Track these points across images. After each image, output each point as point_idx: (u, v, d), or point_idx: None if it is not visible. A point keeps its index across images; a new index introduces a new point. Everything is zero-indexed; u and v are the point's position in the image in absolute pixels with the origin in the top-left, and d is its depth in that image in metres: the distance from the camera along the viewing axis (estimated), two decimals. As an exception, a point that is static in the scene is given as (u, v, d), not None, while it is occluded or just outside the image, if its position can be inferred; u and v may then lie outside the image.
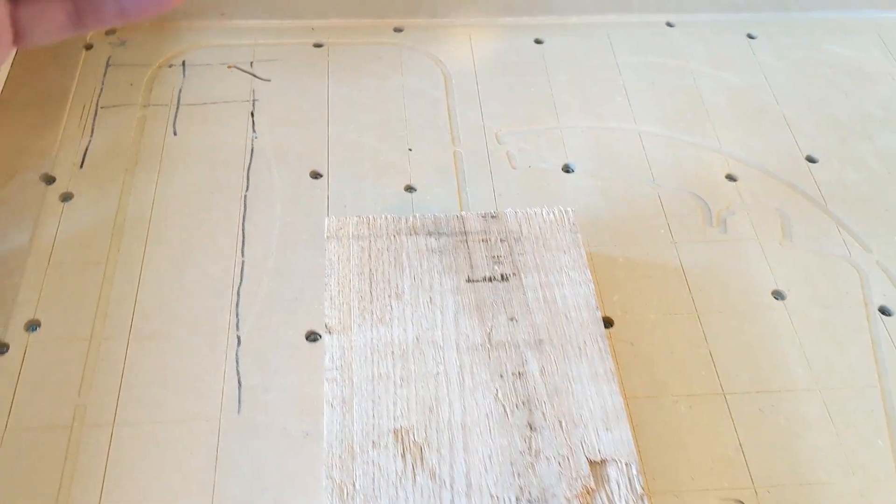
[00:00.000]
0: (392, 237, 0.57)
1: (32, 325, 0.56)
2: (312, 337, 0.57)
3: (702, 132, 0.71)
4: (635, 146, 0.70)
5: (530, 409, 0.49)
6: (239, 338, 0.56)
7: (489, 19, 0.80)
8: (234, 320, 0.57)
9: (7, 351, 0.55)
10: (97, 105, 0.70)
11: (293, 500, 0.49)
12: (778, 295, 0.60)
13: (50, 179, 0.64)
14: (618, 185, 0.67)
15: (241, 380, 0.54)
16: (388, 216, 0.57)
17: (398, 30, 0.79)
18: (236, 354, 0.55)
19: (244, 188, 0.65)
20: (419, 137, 0.69)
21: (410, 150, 0.68)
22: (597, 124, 0.71)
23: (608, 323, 0.58)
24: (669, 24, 0.81)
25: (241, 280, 0.59)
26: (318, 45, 0.77)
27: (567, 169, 0.68)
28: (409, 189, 0.66)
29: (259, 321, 0.57)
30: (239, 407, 0.53)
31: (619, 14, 0.81)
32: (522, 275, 0.55)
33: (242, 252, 0.61)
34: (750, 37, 0.80)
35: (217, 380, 0.54)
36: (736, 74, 0.76)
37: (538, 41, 0.79)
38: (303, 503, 0.49)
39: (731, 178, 0.68)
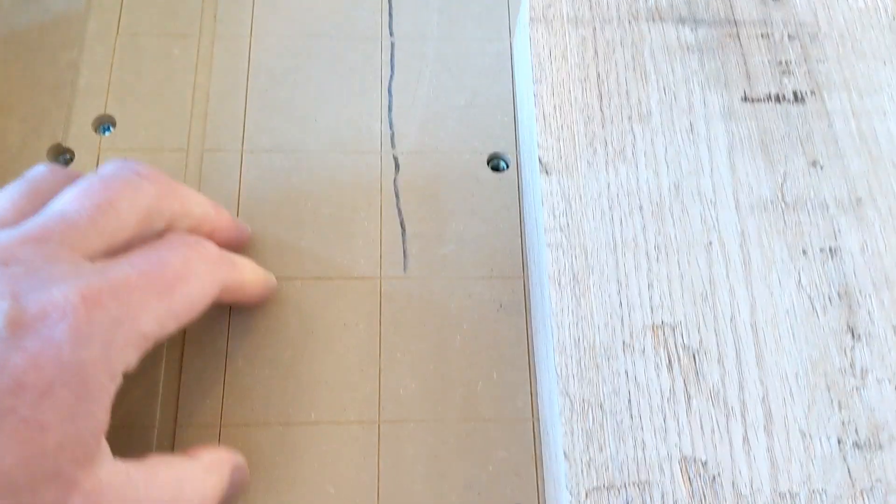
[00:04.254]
0: (627, 24, 0.38)
1: (105, 126, 0.39)
2: (495, 163, 0.40)
3: None
4: None
5: (850, 306, 0.33)
6: (396, 160, 0.40)
7: None
8: (387, 133, 0.40)
9: (73, 159, 0.39)
10: None
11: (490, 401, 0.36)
12: None
13: None
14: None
15: (405, 224, 0.39)
16: (621, -10, 0.38)
17: None
18: (395, 185, 0.39)
19: (386, -71, 0.45)
20: None
21: None
22: None
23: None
24: None
25: (393, 72, 0.42)
26: None
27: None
28: (619, -57, 0.45)
29: (422, 136, 0.40)
30: (405, 262, 0.38)
31: None
32: (825, 94, 0.37)
33: (391, 28, 0.42)
34: None
35: (373, 224, 0.38)
36: None
37: None
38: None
39: None
